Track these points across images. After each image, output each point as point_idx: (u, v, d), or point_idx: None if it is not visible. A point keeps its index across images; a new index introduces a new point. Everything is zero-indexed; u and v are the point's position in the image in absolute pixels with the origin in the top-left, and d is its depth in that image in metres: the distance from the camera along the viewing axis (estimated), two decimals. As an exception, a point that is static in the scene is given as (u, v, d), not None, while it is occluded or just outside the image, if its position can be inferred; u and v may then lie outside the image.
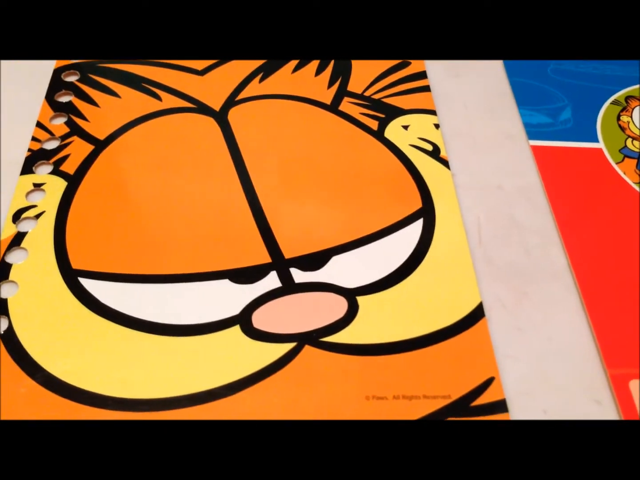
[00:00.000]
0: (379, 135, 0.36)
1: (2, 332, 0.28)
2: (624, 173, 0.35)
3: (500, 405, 0.26)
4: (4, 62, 0.39)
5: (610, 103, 0.38)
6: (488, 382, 0.27)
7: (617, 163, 0.35)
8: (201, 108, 0.37)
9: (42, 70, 0.39)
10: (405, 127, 0.36)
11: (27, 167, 0.34)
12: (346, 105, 0.37)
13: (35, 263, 0.30)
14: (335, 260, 0.30)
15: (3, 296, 0.29)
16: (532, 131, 0.37)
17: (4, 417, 0.25)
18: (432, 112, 0.37)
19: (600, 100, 0.39)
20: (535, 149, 0.36)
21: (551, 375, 0.27)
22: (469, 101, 0.38)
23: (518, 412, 0.26)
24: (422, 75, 0.39)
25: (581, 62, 0.41)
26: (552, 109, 0.38)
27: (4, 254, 0.30)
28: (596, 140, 0.36)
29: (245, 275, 0.30)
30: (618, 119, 0.38)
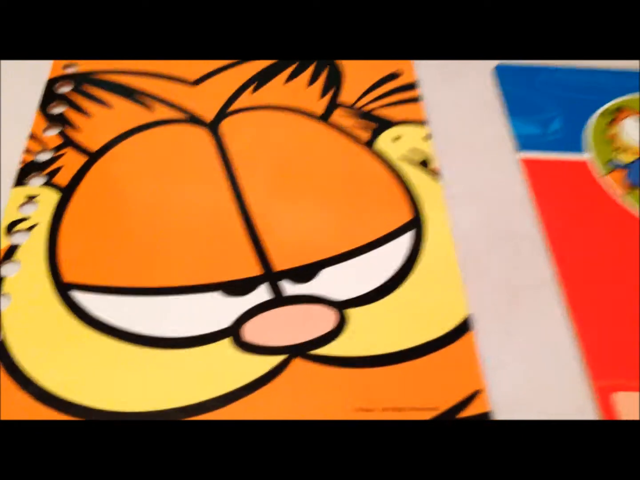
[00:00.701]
0: (369, 147, 0.36)
1: (-6, 345, 0.28)
2: (612, 185, 0.35)
3: (486, 418, 0.26)
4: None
5: (600, 114, 0.39)
6: (474, 395, 0.27)
7: (605, 174, 0.35)
8: (193, 119, 0.37)
9: (35, 81, 0.39)
10: (396, 139, 0.37)
11: (20, 179, 0.34)
12: (338, 117, 0.38)
13: (27, 276, 0.30)
14: (326, 272, 0.31)
15: (-4, 309, 0.29)
16: (522, 142, 0.37)
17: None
18: (423, 124, 0.37)
19: (589, 111, 0.39)
20: (525, 161, 0.36)
21: (537, 386, 0.28)
22: (460, 112, 0.39)
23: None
24: (413, 86, 0.40)
25: (571, 72, 0.41)
26: (543, 119, 0.38)
27: (-3, 267, 0.30)
28: (585, 151, 0.37)
29: (236, 288, 0.30)
30: (607, 130, 0.38)
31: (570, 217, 0.33)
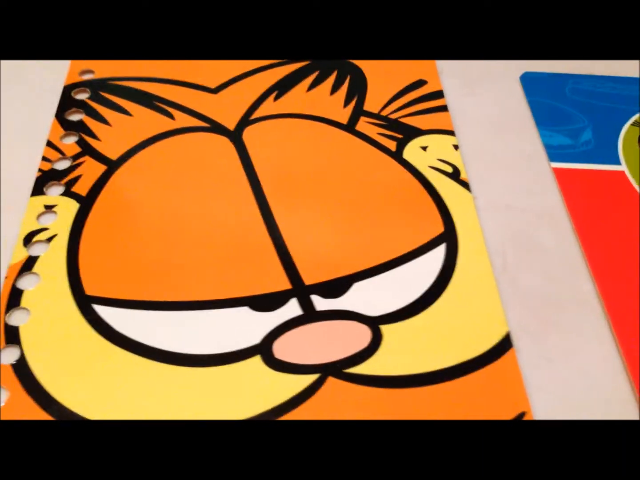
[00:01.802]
0: (397, 156, 0.35)
1: (13, 362, 0.27)
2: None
3: (533, 441, 0.25)
4: (13, 81, 0.38)
5: (631, 124, 0.38)
6: (519, 417, 0.26)
7: (640, 185, 0.35)
8: (215, 127, 0.36)
9: (51, 87, 0.38)
10: (424, 148, 0.36)
11: (38, 188, 0.33)
12: (363, 125, 0.37)
13: (47, 289, 0.29)
14: (357, 287, 0.30)
15: (14, 324, 0.28)
16: (553, 153, 0.36)
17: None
18: (451, 133, 0.36)
19: (620, 121, 0.38)
20: (557, 171, 0.35)
21: (582, 407, 0.27)
22: (487, 122, 0.38)
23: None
24: (439, 94, 0.39)
25: (599, 81, 0.40)
26: (573, 129, 0.37)
27: (15, 280, 0.29)
28: (618, 163, 0.36)
29: (265, 303, 0.29)
30: (639, 140, 0.37)
31: (607, 228, 0.32)
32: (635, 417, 0.26)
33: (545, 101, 0.39)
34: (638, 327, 0.29)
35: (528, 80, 0.40)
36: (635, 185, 0.34)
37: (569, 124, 0.38)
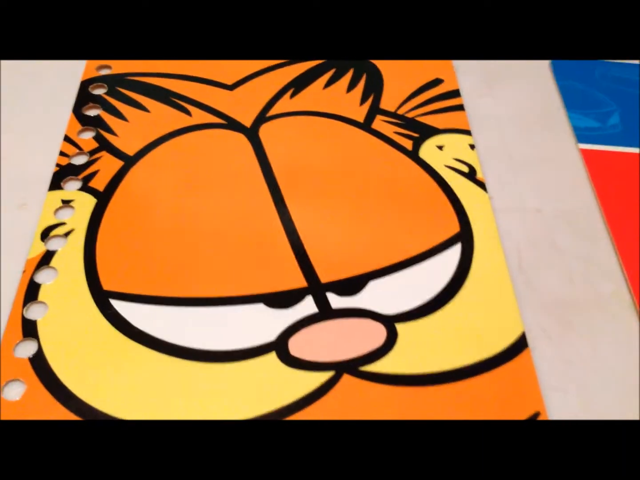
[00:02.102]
0: (413, 155, 0.35)
1: (31, 356, 0.27)
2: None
3: (548, 442, 0.25)
4: (32, 76, 0.38)
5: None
6: (534, 417, 0.26)
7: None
8: (232, 124, 0.36)
9: (69, 83, 0.38)
10: (440, 148, 0.36)
11: (55, 183, 0.33)
12: (379, 124, 0.37)
13: (65, 283, 0.29)
14: (373, 285, 0.30)
15: (32, 318, 0.28)
16: (581, 134, 0.37)
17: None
18: (467, 132, 0.36)
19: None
20: (584, 152, 0.35)
21: (599, 409, 0.26)
22: (504, 121, 0.38)
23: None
24: (456, 93, 0.38)
25: (627, 68, 0.41)
26: (601, 113, 0.38)
27: (33, 274, 0.29)
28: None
29: (280, 300, 0.29)
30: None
31: (634, 209, 0.32)
32: (651, 420, 0.26)
33: (575, 85, 0.39)
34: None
35: (558, 66, 0.40)
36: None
37: (598, 108, 0.38)
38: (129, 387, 0.26)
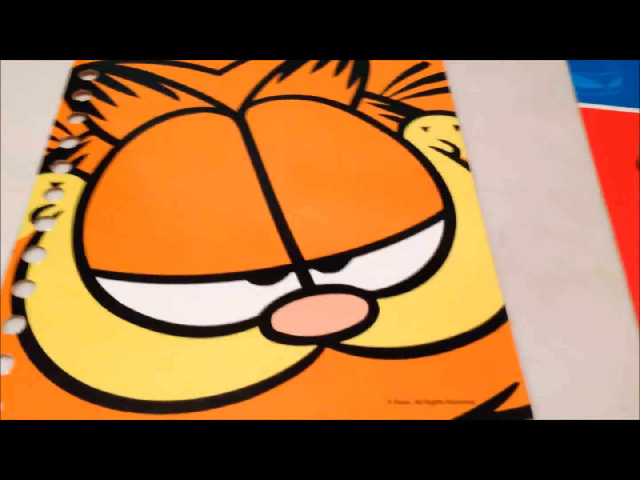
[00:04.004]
0: (398, 136, 0.35)
1: (19, 333, 0.27)
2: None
3: (525, 411, 0.25)
4: (23, 62, 0.39)
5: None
6: (512, 388, 0.26)
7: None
8: (219, 108, 0.37)
9: (59, 69, 0.38)
10: (425, 129, 0.36)
11: (45, 166, 0.33)
12: (365, 106, 0.37)
13: (53, 263, 0.30)
14: (356, 262, 0.30)
15: (20, 296, 0.29)
16: (582, 95, 0.37)
17: (19, 417, 0.25)
18: (452, 114, 0.37)
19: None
20: (584, 111, 0.36)
21: (577, 380, 0.27)
22: (489, 102, 0.38)
23: (543, 417, 0.26)
24: (442, 76, 0.39)
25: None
26: (604, 76, 0.39)
27: (22, 253, 0.30)
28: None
29: (264, 277, 0.29)
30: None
31: (629, 171, 0.33)
32: (634, 395, 0.26)
33: None
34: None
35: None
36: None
37: (602, 71, 0.39)
38: (115, 362, 0.27)
